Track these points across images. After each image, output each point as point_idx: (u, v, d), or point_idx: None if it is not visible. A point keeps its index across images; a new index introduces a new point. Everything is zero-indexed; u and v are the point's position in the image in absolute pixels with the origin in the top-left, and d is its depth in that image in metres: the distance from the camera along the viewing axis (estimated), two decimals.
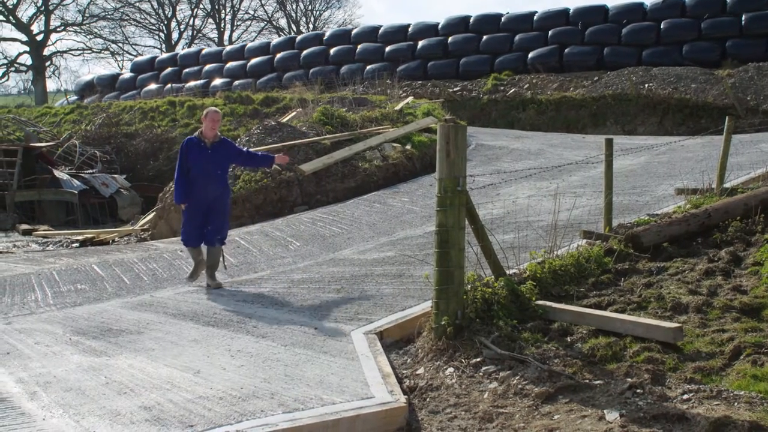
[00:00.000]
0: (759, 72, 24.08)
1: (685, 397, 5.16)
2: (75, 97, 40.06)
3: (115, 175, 23.86)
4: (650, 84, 25.16)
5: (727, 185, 10.86)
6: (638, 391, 5.30)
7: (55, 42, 78.80)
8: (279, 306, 8.44)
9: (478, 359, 6.13)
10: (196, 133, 9.60)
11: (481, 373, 5.97)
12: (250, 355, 6.60)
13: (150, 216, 17.66)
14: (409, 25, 33.60)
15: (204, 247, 9.82)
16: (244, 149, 10.42)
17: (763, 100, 22.88)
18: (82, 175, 23.27)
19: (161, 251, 12.80)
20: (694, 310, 6.65)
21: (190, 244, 9.72)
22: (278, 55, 35.56)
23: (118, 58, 65.09)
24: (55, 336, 7.75)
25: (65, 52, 64.26)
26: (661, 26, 27.61)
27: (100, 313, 8.88)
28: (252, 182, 15.50)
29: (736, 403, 4.95)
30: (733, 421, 4.64)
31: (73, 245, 16.55)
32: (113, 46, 62.14)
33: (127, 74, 40.77)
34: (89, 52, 60.95)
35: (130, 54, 61.65)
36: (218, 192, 9.57)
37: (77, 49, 60.72)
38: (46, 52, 57.27)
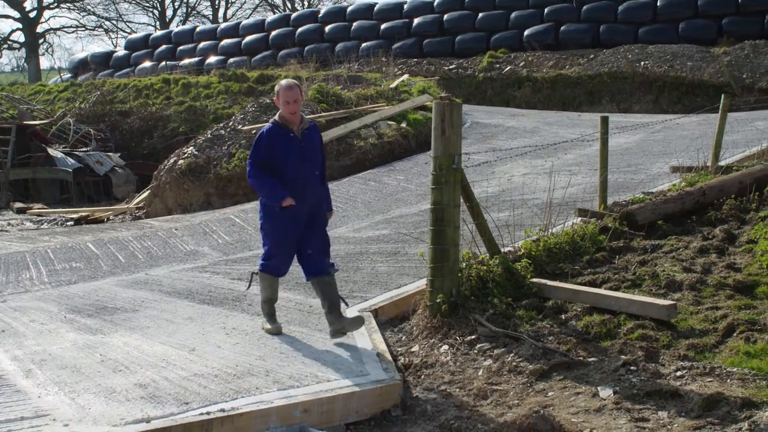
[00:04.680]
0: (755, 50, 24.01)
1: (679, 374, 5.19)
2: (69, 75, 39.78)
3: (110, 153, 23.74)
4: (646, 62, 25.07)
5: (722, 163, 10.87)
6: (632, 368, 5.33)
7: (48, 19, 78.36)
8: None
9: (473, 337, 6.15)
10: (274, 118, 6.51)
11: (475, 351, 5.99)
12: (245, 333, 6.62)
13: (145, 194, 17.62)
14: (404, 3, 33.37)
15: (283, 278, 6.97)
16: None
17: (758, 78, 22.83)
18: (77, 153, 23.15)
19: (156, 229, 12.78)
20: (688, 287, 6.68)
21: (281, 273, 6.67)
22: (273, 33, 35.34)
23: (112, 36, 64.83)
24: (50, 314, 7.76)
25: (58, 29, 63.62)
26: (658, 4, 27.45)
27: (95, 291, 8.88)
28: (247, 160, 15.44)
29: (728, 380, 4.98)
30: (726, 398, 4.67)
31: (68, 223, 16.52)
32: (107, 23, 61.67)
33: (121, 52, 40.49)
34: (83, 29, 60.53)
35: (124, 31, 61.23)
36: (319, 199, 6.55)
37: (71, 27, 60.37)
38: (39, 29, 56.79)
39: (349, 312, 7.01)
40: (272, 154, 6.35)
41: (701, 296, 6.53)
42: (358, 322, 6.31)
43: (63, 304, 8.25)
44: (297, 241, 6.46)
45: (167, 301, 8.03)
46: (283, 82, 6.45)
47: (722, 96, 12.13)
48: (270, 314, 6.68)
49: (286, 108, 6.31)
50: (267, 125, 6.51)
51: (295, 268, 9.01)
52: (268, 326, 6.59)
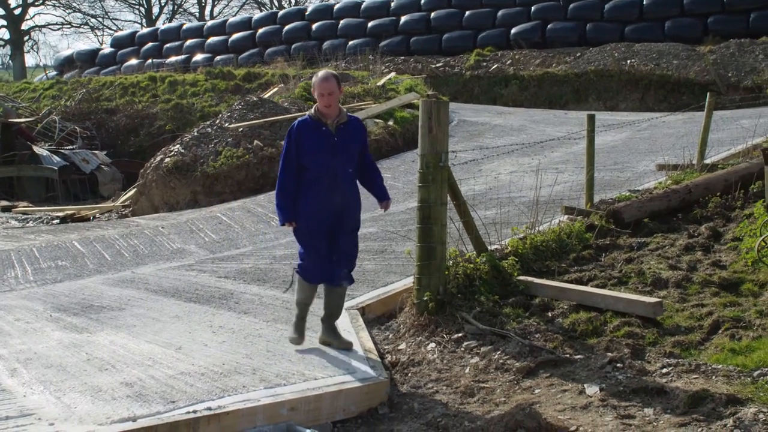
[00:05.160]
0: (740, 48, 24.13)
1: (665, 371, 5.21)
2: (54, 73, 39.58)
3: (96, 151, 23.64)
4: (632, 60, 25.16)
5: (707, 161, 10.92)
6: (618, 365, 5.35)
7: (34, 16, 77.64)
8: (261, 282, 8.43)
9: (460, 334, 6.15)
10: (309, 111, 6.08)
11: (462, 348, 6.00)
12: (232, 331, 6.60)
13: (131, 192, 17.55)
14: (391, 1, 33.37)
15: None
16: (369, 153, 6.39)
17: (744, 77, 22.94)
18: (62, 151, 23.03)
19: (142, 227, 12.74)
20: (674, 285, 6.71)
21: (312, 279, 6.14)
22: (260, 31, 35.28)
23: (98, 33, 64.47)
24: (35, 312, 7.72)
25: (44, 26, 63.22)
26: (644, 2, 27.55)
27: (81, 289, 8.84)
28: (234, 158, 15.43)
29: (714, 377, 5.00)
30: (711, 394, 4.69)
31: (54, 222, 16.44)
32: (93, 20, 61.43)
33: (107, 49, 40.32)
34: (68, 26, 60.30)
35: (110, 29, 61.01)
36: (350, 200, 6.04)
37: (56, 24, 60.04)
38: (24, 26, 56.53)
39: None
40: (301, 148, 5.95)
41: (687, 294, 6.56)
42: (346, 345, 6.07)
43: (48, 302, 8.20)
44: (326, 245, 5.99)
45: (154, 300, 8.00)
46: (320, 73, 6.00)
47: (708, 94, 12.20)
48: (299, 318, 6.20)
49: (320, 101, 5.91)
50: (301, 117, 6.16)
51: (280, 266, 9.01)
52: (291, 333, 6.19)
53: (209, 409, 4.80)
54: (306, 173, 5.96)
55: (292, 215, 5.96)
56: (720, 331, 5.75)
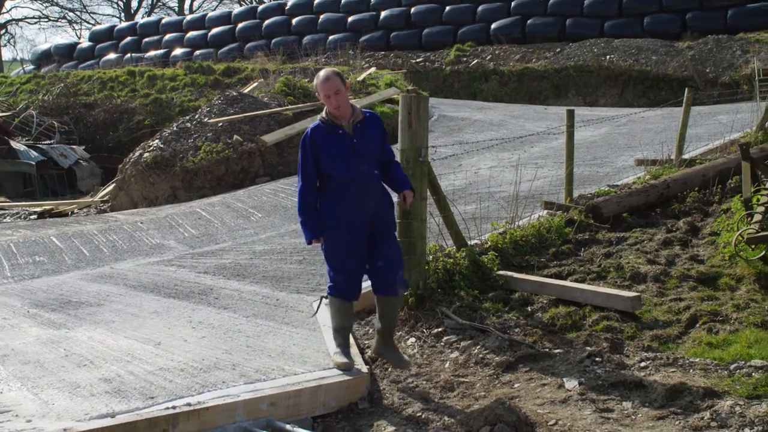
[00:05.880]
0: (718, 44, 24.30)
1: (643, 364, 5.24)
2: (31, 67, 39.29)
3: (74, 146, 23.47)
4: (612, 56, 25.28)
5: (685, 156, 10.99)
6: (597, 359, 5.38)
7: (10, 9, 76.94)
8: (241, 277, 8.41)
9: (440, 329, 6.17)
10: (320, 115, 5.50)
11: (442, 343, 6.01)
12: (211, 327, 6.58)
13: (110, 187, 17.45)
14: None
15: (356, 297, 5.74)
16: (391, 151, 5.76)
17: (721, 72, 23.11)
18: (40, 145, 22.86)
19: (121, 223, 12.66)
20: (653, 279, 6.75)
21: (345, 296, 5.57)
22: (240, 25, 35.17)
23: (76, 27, 64.09)
24: (12, 308, 7.65)
25: (21, 20, 62.82)
26: None
27: (59, 285, 8.78)
28: (213, 153, 15.36)
29: (691, 370, 5.05)
30: (689, 388, 4.73)
31: (31, 217, 16.31)
32: (70, 14, 61.04)
33: (85, 43, 40.06)
34: (46, 20, 59.91)
35: (88, 23, 60.60)
36: (381, 202, 5.52)
37: (33, 17, 59.67)
38: (1, 20, 56.09)
39: (316, 305, 7.01)
40: (319, 156, 5.37)
41: (665, 288, 6.60)
42: (403, 364, 5.62)
43: (26, 298, 8.14)
44: (363, 257, 5.47)
45: (133, 295, 7.96)
46: (321, 73, 5.42)
47: (686, 90, 12.28)
48: (342, 345, 5.58)
49: (328, 103, 5.35)
50: (313, 123, 5.55)
51: (260, 261, 8.99)
52: (338, 359, 5.50)
53: (188, 404, 4.78)
54: (329, 182, 5.39)
55: (317, 231, 5.40)
56: (697, 325, 5.80)
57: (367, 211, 5.41)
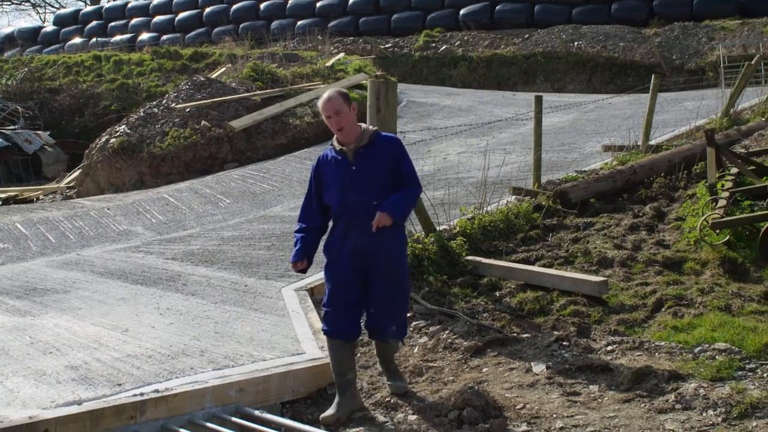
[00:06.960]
0: (684, 31, 24.50)
1: (609, 348, 5.30)
2: None
3: (39, 132, 23.15)
4: (580, 42, 25.41)
5: (652, 142, 11.10)
6: (564, 343, 5.43)
7: None
8: (209, 264, 8.36)
9: (409, 315, 6.18)
10: (331, 141, 5.03)
11: (411, 328, 6.03)
12: (179, 313, 6.54)
13: (76, 173, 17.25)
14: None
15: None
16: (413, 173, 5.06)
17: (687, 59, 23.33)
18: (4, 131, 22.53)
19: (88, 209, 12.53)
20: (619, 264, 6.82)
21: (337, 334, 4.94)
22: (207, 10, 34.85)
23: (40, 11, 63.12)
24: None
25: None
26: None
27: (24, 272, 8.68)
28: (181, 139, 15.24)
29: (657, 354, 5.11)
30: (654, 371, 4.79)
31: None
32: None
33: (49, 27, 39.51)
34: (8, 3, 58.75)
35: (53, 6, 59.51)
36: (379, 239, 4.80)
37: None
38: None
39: (285, 291, 7.00)
40: (322, 184, 4.97)
41: (631, 273, 6.67)
42: (397, 390, 5.11)
43: None
44: (354, 295, 4.89)
45: (100, 282, 7.89)
46: (324, 95, 4.89)
47: (653, 76, 12.38)
48: (341, 392, 4.98)
49: (330, 125, 4.85)
50: (325, 150, 5.08)
51: (228, 247, 8.95)
52: (325, 413, 4.93)
53: (156, 391, 4.75)
54: (330, 211, 4.97)
55: (298, 255, 4.95)
56: (663, 309, 5.86)
57: (358, 247, 4.83)
